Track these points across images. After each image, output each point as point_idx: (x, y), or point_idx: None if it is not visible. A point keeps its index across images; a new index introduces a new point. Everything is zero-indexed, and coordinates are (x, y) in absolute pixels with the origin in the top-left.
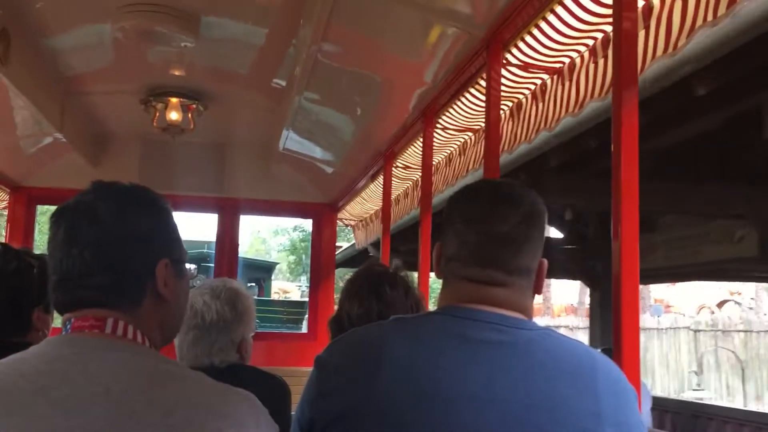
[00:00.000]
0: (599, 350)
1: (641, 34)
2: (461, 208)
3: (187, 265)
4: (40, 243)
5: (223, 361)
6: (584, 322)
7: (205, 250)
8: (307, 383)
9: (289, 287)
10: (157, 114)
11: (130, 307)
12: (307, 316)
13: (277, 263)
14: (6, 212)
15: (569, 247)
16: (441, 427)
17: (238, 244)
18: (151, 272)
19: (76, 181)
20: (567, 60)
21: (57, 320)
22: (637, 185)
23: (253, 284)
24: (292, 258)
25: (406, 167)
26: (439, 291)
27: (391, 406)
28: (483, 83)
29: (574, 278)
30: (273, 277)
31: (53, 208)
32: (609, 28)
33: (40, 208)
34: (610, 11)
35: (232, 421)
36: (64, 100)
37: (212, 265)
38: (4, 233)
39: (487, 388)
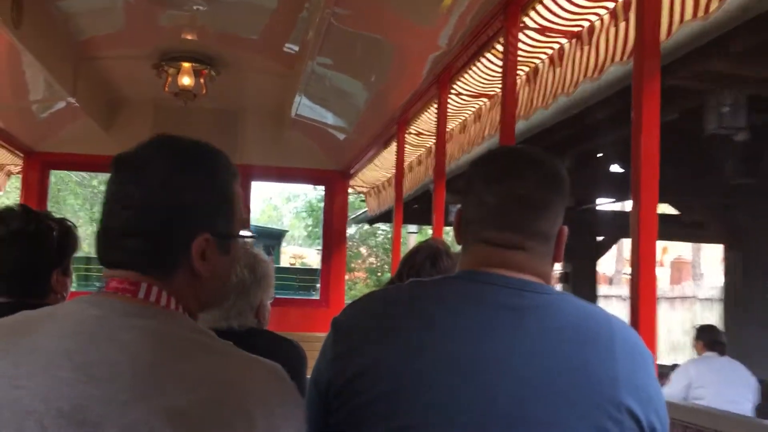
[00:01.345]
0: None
1: None
2: (482, 171)
3: (243, 233)
4: (54, 208)
5: (242, 325)
6: (620, 290)
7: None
8: (323, 345)
9: (305, 252)
10: (170, 79)
11: (163, 276)
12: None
13: (287, 230)
14: (20, 177)
15: None
16: (458, 389)
17: (249, 211)
18: (188, 245)
19: (89, 146)
20: (587, 23)
21: (75, 283)
22: (657, 153)
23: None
24: (309, 220)
25: (419, 134)
26: None
27: (407, 367)
28: (499, 48)
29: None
30: (286, 243)
31: (65, 173)
32: None
33: (54, 173)
34: None
35: (256, 398)
36: (77, 64)
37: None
38: (19, 198)
39: (505, 351)
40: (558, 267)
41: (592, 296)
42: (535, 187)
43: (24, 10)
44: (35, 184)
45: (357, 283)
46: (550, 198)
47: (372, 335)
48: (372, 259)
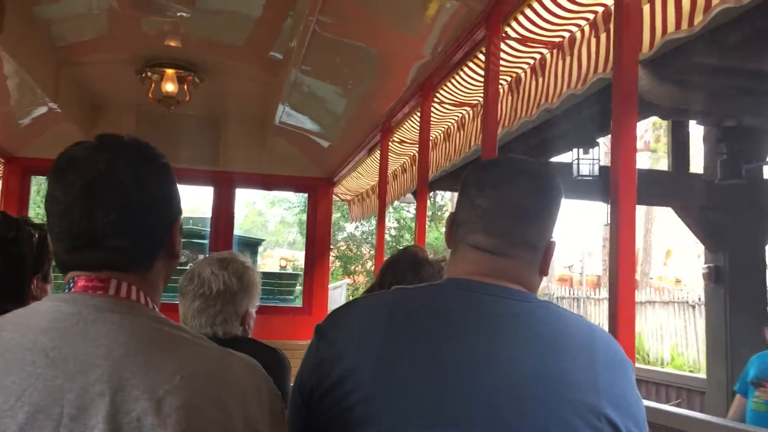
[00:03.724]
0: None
1: (646, 8)
2: (476, 176)
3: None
4: (35, 214)
5: (226, 333)
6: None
7: (192, 226)
8: (306, 351)
9: (295, 255)
10: (153, 85)
11: (142, 269)
12: (298, 287)
13: (263, 239)
14: (0, 182)
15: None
16: (439, 395)
17: (233, 218)
18: (169, 232)
19: None
20: (567, 34)
21: (56, 290)
22: (635, 159)
23: None
24: (303, 217)
25: (402, 142)
26: None
27: (388, 373)
28: (482, 57)
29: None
30: (274, 247)
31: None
32: (610, 2)
33: (35, 180)
34: None
35: (233, 387)
36: (59, 69)
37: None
38: None
39: (487, 358)
40: (705, 260)
41: (760, 302)
42: (526, 196)
43: (5, 16)
44: (16, 190)
45: (359, 289)
46: (541, 208)
47: (354, 342)
48: (371, 262)
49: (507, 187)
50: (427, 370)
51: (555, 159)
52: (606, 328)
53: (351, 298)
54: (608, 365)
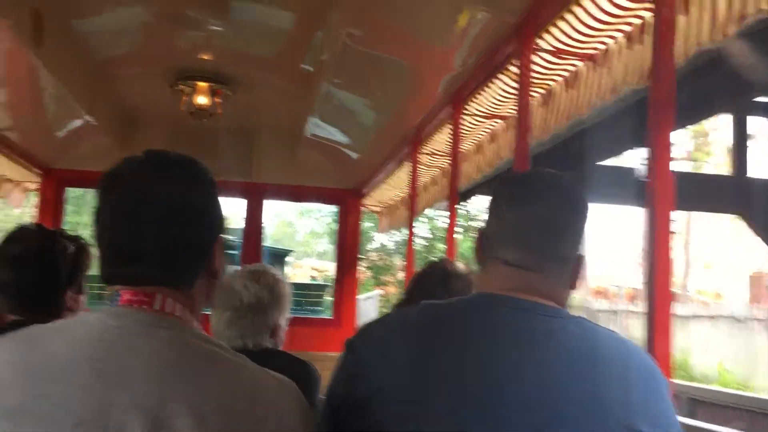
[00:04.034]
0: None
1: (682, 19)
2: (505, 190)
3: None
4: (70, 226)
5: (257, 345)
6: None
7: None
8: (336, 365)
9: (325, 266)
10: (185, 98)
11: (184, 285)
12: (326, 298)
13: (291, 250)
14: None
15: None
16: (469, 413)
17: (263, 230)
18: (210, 249)
19: (106, 163)
20: (602, 46)
21: (88, 302)
22: (670, 172)
23: None
24: (333, 227)
25: (432, 154)
26: None
27: (418, 390)
28: (513, 69)
29: None
30: (303, 257)
31: (81, 190)
32: (647, 14)
33: (70, 191)
34: None
35: (271, 407)
36: (94, 83)
37: (231, 252)
38: (35, 215)
39: (519, 376)
40: None
41: None
42: (556, 210)
43: (44, 30)
44: (51, 201)
45: (390, 300)
46: (571, 221)
47: (384, 358)
48: (402, 273)
49: (537, 201)
50: (457, 387)
51: (609, 162)
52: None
53: (383, 309)
54: (642, 382)
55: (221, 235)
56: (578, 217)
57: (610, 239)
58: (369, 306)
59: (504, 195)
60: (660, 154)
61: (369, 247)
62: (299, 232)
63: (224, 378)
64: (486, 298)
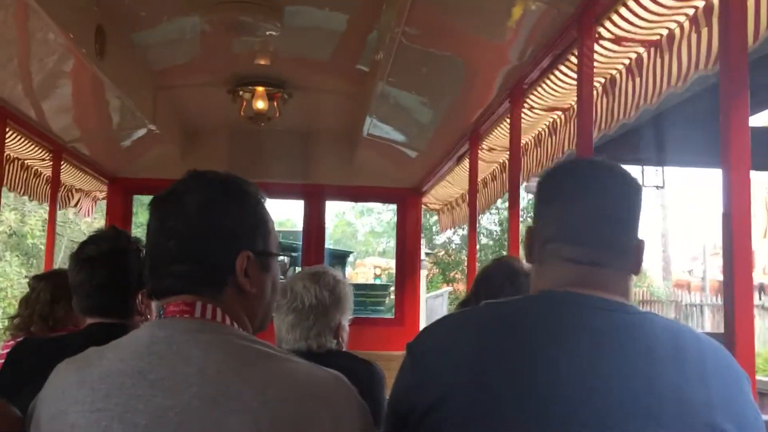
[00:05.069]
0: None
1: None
2: (557, 185)
3: (281, 258)
4: (137, 232)
5: (321, 346)
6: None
7: (282, 240)
8: (399, 371)
9: (389, 263)
10: (244, 103)
11: (213, 295)
12: (388, 298)
13: (352, 251)
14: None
15: None
16: (539, 414)
17: (324, 230)
18: (232, 263)
19: (169, 171)
20: (665, 31)
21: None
22: (749, 159)
23: None
24: (385, 237)
25: (490, 149)
26: None
27: (488, 392)
28: (573, 60)
29: None
30: (365, 257)
31: (148, 197)
32: None
33: (137, 198)
34: None
35: (324, 401)
36: (156, 92)
37: (293, 254)
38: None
39: (589, 375)
40: None
41: None
42: (611, 199)
43: (107, 42)
44: (119, 209)
45: (459, 297)
46: (627, 209)
47: (447, 363)
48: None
49: (590, 191)
50: (525, 389)
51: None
52: None
53: (452, 307)
54: (721, 378)
55: (247, 251)
56: (634, 203)
57: (694, 227)
58: (438, 305)
59: (554, 188)
60: (735, 152)
61: (435, 242)
62: (359, 232)
63: (272, 374)
64: (549, 295)
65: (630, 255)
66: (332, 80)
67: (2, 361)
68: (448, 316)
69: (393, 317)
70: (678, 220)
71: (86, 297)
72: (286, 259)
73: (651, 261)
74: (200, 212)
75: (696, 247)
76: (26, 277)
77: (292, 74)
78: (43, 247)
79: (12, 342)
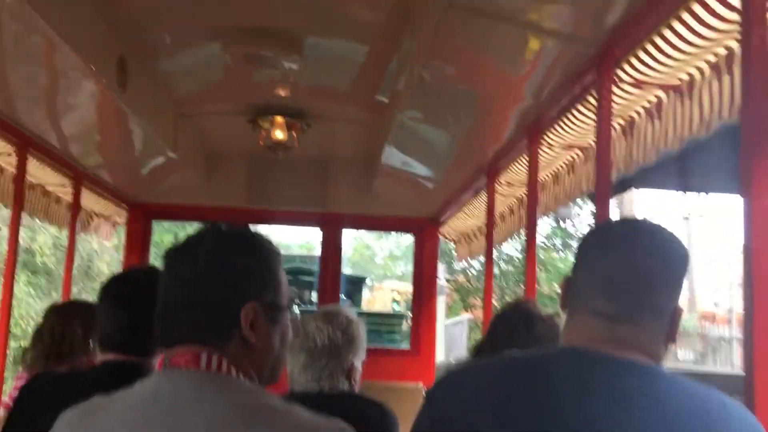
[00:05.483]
0: None
1: None
2: (597, 238)
3: (293, 311)
4: (155, 256)
5: (333, 388)
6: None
7: (298, 264)
8: (417, 418)
9: (408, 287)
10: (264, 133)
11: (220, 345)
12: (404, 328)
13: (367, 277)
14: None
15: None
16: None
17: (341, 258)
18: (237, 314)
19: (189, 196)
20: (686, 76)
21: None
22: None
23: (343, 297)
24: (402, 261)
25: (509, 184)
26: None
27: None
28: (592, 101)
29: None
30: (383, 280)
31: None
32: (734, 44)
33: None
34: (735, 27)
35: None
36: (177, 120)
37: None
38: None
39: None
40: None
41: None
42: (652, 258)
43: (129, 72)
44: (139, 234)
45: (479, 325)
46: (668, 271)
47: (466, 414)
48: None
49: (631, 248)
50: None
51: None
52: None
53: (472, 335)
54: None
55: (254, 302)
56: (676, 266)
57: (723, 256)
58: (457, 332)
59: (596, 242)
60: (757, 180)
61: (454, 267)
62: (378, 255)
63: (278, 428)
64: (574, 352)
65: (665, 319)
66: (351, 110)
67: (15, 393)
68: (468, 365)
69: (409, 348)
70: (703, 249)
71: (113, 334)
72: (298, 312)
73: None
74: (209, 261)
75: (721, 277)
76: (33, 296)
77: (311, 104)
78: (52, 266)
79: (26, 376)
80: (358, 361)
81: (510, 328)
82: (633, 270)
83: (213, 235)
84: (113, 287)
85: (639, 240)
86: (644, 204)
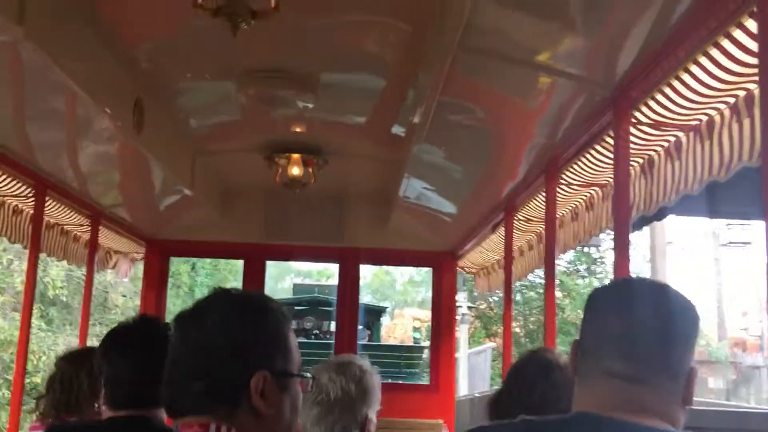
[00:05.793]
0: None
1: None
2: (608, 297)
3: (307, 374)
4: (172, 294)
5: None
6: None
7: (317, 295)
8: None
9: (428, 315)
10: (280, 170)
11: (228, 415)
12: (424, 357)
13: (386, 307)
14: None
15: None
16: None
17: (358, 291)
18: (247, 383)
19: (206, 233)
20: (704, 117)
21: None
22: None
23: (362, 327)
24: (423, 287)
25: (527, 220)
26: None
27: None
28: (609, 140)
29: None
30: (403, 306)
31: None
32: (753, 86)
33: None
34: (753, 70)
35: None
36: (194, 158)
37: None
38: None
39: None
40: None
41: None
42: (665, 319)
43: (145, 114)
44: (156, 270)
45: (500, 351)
46: (682, 331)
47: None
48: (514, 323)
49: (643, 309)
50: None
51: None
52: None
53: (495, 364)
54: None
55: (264, 371)
56: (690, 327)
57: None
58: (480, 361)
59: (607, 302)
60: None
61: (476, 295)
62: (398, 281)
63: None
64: (586, 419)
65: (680, 380)
66: (367, 145)
67: None
68: (484, 428)
69: (428, 383)
70: (733, 275)
71: (120, 386)
72: (310, 377)
73: (705, 318)
74: (218, 329)
75: (751, 302)
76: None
77: (327, 140)
78: (63, 298)
79: (40, 425)
80: (373, 412)
81: (527, 377)
82: (649, 329)
83: (223, 301)
84: (120, 337)
85: (654, 300)
86: (674, 230)
